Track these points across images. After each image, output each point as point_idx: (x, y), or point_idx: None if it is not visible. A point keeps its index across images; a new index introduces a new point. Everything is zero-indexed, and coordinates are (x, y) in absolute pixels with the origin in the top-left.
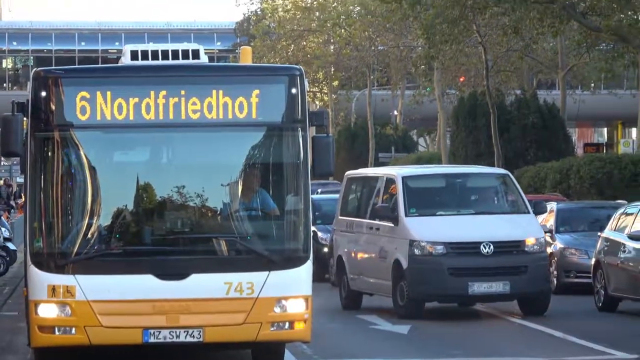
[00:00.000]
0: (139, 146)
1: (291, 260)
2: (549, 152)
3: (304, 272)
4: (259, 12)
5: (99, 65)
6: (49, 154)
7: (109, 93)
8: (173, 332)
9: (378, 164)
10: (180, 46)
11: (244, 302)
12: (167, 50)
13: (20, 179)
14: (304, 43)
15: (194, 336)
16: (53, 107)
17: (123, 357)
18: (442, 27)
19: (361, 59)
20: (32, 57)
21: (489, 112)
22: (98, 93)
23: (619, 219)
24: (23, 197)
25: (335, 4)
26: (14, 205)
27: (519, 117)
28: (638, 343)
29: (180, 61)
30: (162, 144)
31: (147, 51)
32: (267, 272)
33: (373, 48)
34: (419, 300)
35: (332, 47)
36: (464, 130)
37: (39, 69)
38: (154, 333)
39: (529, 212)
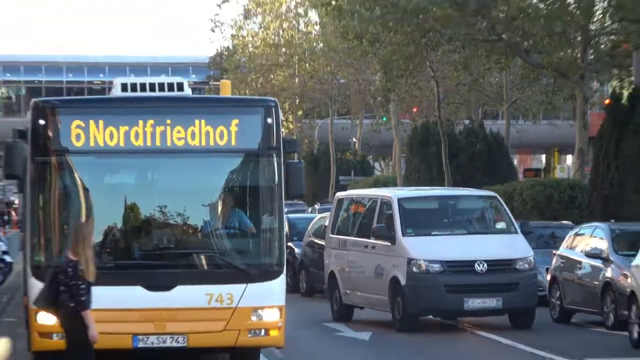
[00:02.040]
0: (128, 170)
1: (266, 274)
2: (494, 177)
3: (278, 284)
4: (231, 48)
5: (93, 97)
6: (47, 176)
7: (101, 122)
8: (160, 338)
9: (339, 186)
10: (167, 79)
11: (224, 311)
12: (154, 83)
13: (13, 197)
14: (272, 76)
15: (178, 342)
16: (51, 134)
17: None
18: (398, 63)
19: (324, 91)
20: (24, 87)
21: (440, 140)
22: (91, 121)
23: (573, 238)
24: (15, 213)
25: (300, 41)
26: (9, 221)
27: (467, 145)
28: (585, 350)
29: (166, 93)
30: (150, 168)
31: (136, 84)
32: (245, 285)
33: (335, 81)
34: (416, 314)
35: (297, 80)
36: (417, 156)
37: (37, 99)
38: (142, 339)
39: (517, 232)
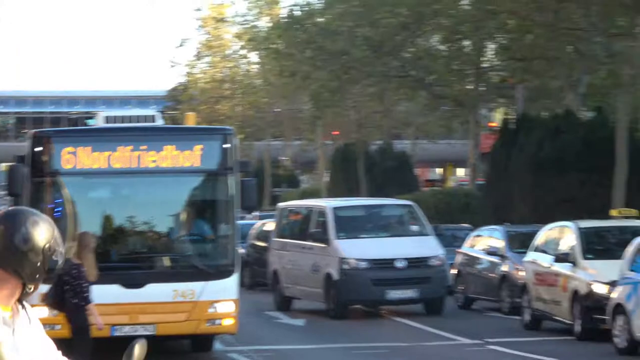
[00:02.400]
0: (110, 187)
1: (222, 273)
2: (402, 187)
3: (232, 281)
4: (186, 83)
5: (81, 127)
6: (43, 193)
7: (88, 148)
8: (133, 327)
9: (273, 197)
10: (141, 112)
11: (187, 304)
12: (132, 116)
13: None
14: (219, 106)
15: (148, 330)
16: (46, 159)
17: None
18: (325, 95)
19: (262, 119)
20: (13, 118)
21: (357, 158)
22: (80, 148)
23: (474, 239)
24: None
25: (242, 77)
26: None
27: (380, 161)
28: (482, 332)
29: (142, 124)
30: (128, 186)
31: (116, 116)
32: (204, 282)
33: (271, 111)
34: (347, 304)
35: (240, 110)
36: (339, 171)
37: (35, 130)
38: (119, 328)
39: (430, 235)
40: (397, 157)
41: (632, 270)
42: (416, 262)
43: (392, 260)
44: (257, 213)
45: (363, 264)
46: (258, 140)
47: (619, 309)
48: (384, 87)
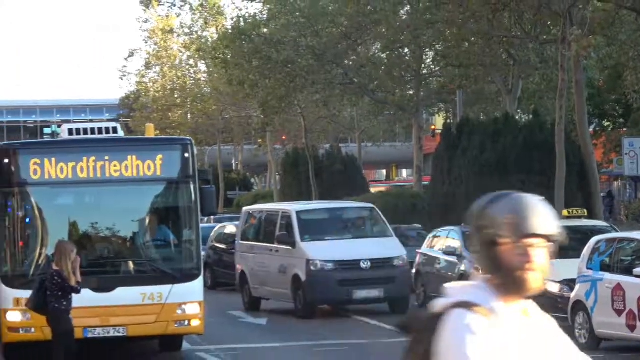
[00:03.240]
0: (76, 197)
1: (188, 276)
2: (351, 190)
3: (198, 284)
4: (137, 92)
5: (46, 140)
6: (11, 204)
7: (54, 159)
8: (105, 329)
9: (227, 199)
10: (104, 124)
11: (155, 307)
12: (95, 128)
13: None
14: (170, 114)
15: (120, 332)
16: (13, 170)
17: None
18: (273, 103)
19: (212, 125)
20: None
21: (307, 162)
22: (46, 159)
23: (432, 240)
24: None
25: (192, 86)
26: None
27: (328, 165)
28: None
29: (104, 135)
30: (93, 195)
31: (80, 128)
32: (171, 285)
33: (221, 117)
34: (314, 304)
35: (190, 117)
36: (289, 175)
37: (2, 143)
38: (91, 330)
39: (392, 236)
40: (345, 160)
41: (589, 269)
42: (380, 263)
43: (358, 261)
44: (212, 217)
45: (329, 265)
46: (209, 145)
47: (579, 305)
48: (329, 94)
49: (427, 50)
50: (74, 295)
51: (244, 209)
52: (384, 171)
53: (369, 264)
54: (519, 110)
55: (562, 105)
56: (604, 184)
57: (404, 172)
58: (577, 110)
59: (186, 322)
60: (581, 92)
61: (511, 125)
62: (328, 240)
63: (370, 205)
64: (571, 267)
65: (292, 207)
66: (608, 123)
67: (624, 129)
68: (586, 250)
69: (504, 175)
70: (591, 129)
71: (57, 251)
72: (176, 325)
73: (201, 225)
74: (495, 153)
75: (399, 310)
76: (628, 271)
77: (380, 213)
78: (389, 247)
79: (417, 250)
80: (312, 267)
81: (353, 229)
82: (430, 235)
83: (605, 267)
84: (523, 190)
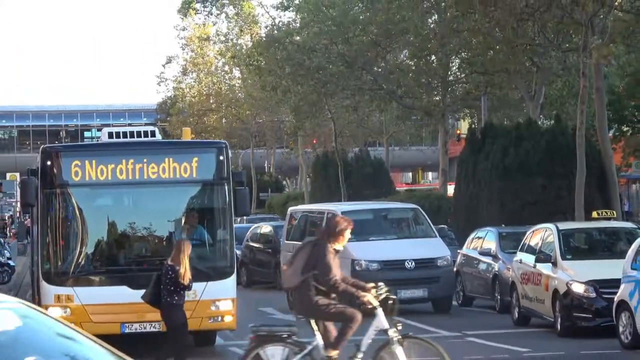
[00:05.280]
0: (115, 197)
1: (222, 274)
2: (378, 191)
3: (231, 281)
4: (174, 97)
5: (88, 143)
6: (53, 204)
7: (94, 161)
8: (141, 325)
9: (259, 201)
10: (142, 128)
11: (190, 303)
12: (133, 131)
13: (7, 213)
14: (206, 119)
15: (155, 327)
16: (55, 172)
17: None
18: (304, 108)
19: (246, 129)
20: (15, 131)
21: (337, 164)
22: (87, 161)
23: (472, 240)
24: (8, 228)
25: (227, 92)
26: (8, 234)
27: (357, 168)
28: (467, 326)
29: (142, 139)
30: (131, 196)
31: (119, 132)
32: (205, 283)
33: (254, 122)
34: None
35: (225, 121)
36: (319, 177)
37: (45, 145)
38: (128, 326)
39: (436, 236)
40: (373, 163)
41: (633, 269)
42: (425, 263)
43: (402, 261)
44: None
45: (374, 265)
46: (243, 149)
47: (623, 305)
48: (358, 100)
49: (454, 57)
50: (112, 292)
51: (290, 209)
52: (410, 174)
53: (413, 264)
54: (541, 116)
55: (583, 110)
56: (622, 187)
57: (430, 175)
58: (597, 115)
59: (219, 318)
60: (602, 98)
61: (534, 130)
62: (373, 240)
63: (414, 205)
64: (598, 268)
65: (338, 208)
66: (627, 128)
67: None
68: (631, 251)
69: (526, 179)
70: (611, 134)
71: (176, 247)
72: (210, 321)
73: (237, 225)
74: (517, 157)
75: (442, 310)
76: None
77: (424, 213)
78: (433, 247)
79: (458, 251)
80: (357, 267)
81: (397, 230)
82: (472, 235)
83: None
84: (544, 193)
